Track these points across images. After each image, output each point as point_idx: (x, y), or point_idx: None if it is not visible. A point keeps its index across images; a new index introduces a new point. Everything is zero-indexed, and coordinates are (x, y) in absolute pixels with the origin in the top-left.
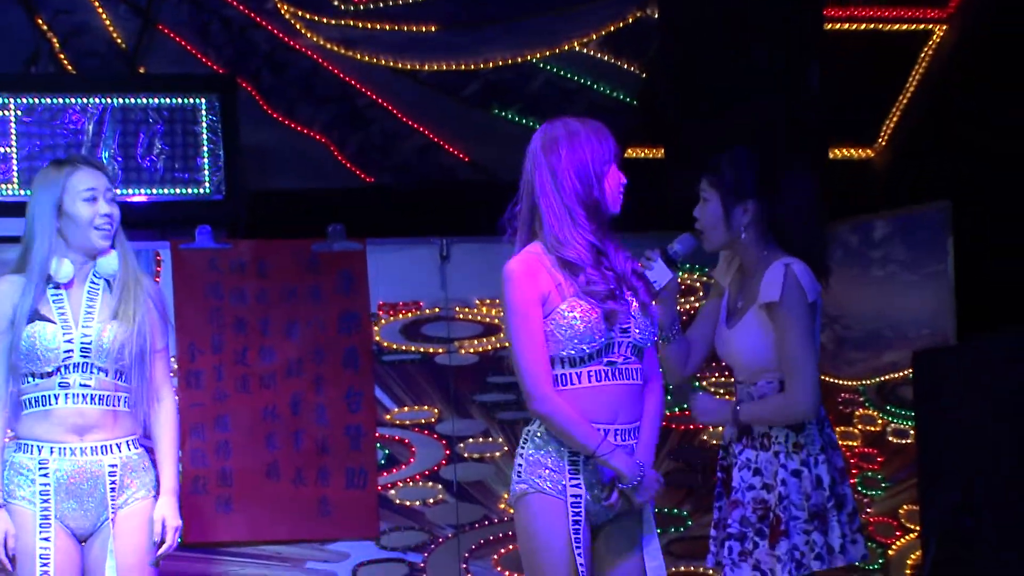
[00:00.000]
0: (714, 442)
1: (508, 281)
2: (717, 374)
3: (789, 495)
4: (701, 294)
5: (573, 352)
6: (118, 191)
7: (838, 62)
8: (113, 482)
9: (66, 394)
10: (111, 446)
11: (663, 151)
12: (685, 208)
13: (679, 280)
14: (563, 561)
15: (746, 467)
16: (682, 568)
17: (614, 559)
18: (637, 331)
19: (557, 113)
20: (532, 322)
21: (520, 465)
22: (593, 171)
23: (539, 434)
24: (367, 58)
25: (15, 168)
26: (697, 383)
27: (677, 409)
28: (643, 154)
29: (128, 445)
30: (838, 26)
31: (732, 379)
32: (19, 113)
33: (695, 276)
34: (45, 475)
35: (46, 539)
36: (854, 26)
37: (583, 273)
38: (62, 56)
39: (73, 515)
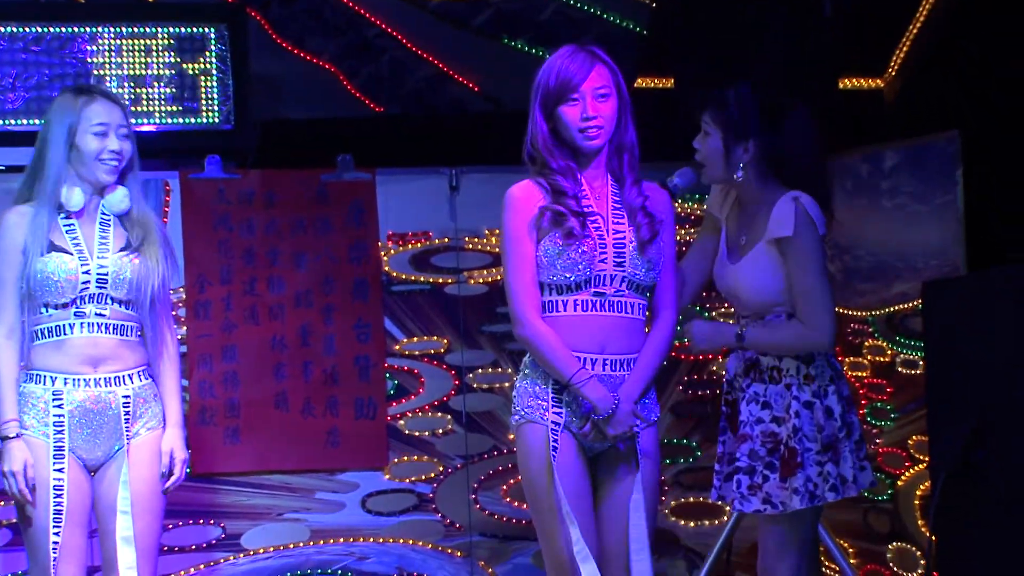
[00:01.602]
0: (723, 373)
1: (505, 207)
2: (718, 304)
3: (802, 427)
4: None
5: (558, 279)
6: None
7: None
8: (127, 413)
9: (82, 323)
10: (124, 377)
11: (672, 81)
12: (691, 137)
13: (678, 210)
14: (544, 488)
15: (754, 400)
16: (691, 499)
17: (609, 487)
18: (633, 266)
19: (567, 42)
20: (522, 247)
21: (515, 396)
22: (551, 96)
23: (528, 364)
24: None
25: (22, 97)
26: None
27: (686, 340)
28: (652, 84)
29: (140, 376)
30: None
31: (732, 312)
32: (27, 42)
33: (693, 206)
34: (59, 406)
35: (60, 470)
36: None
37: (566, 199)
38: None
39: (86, 446)
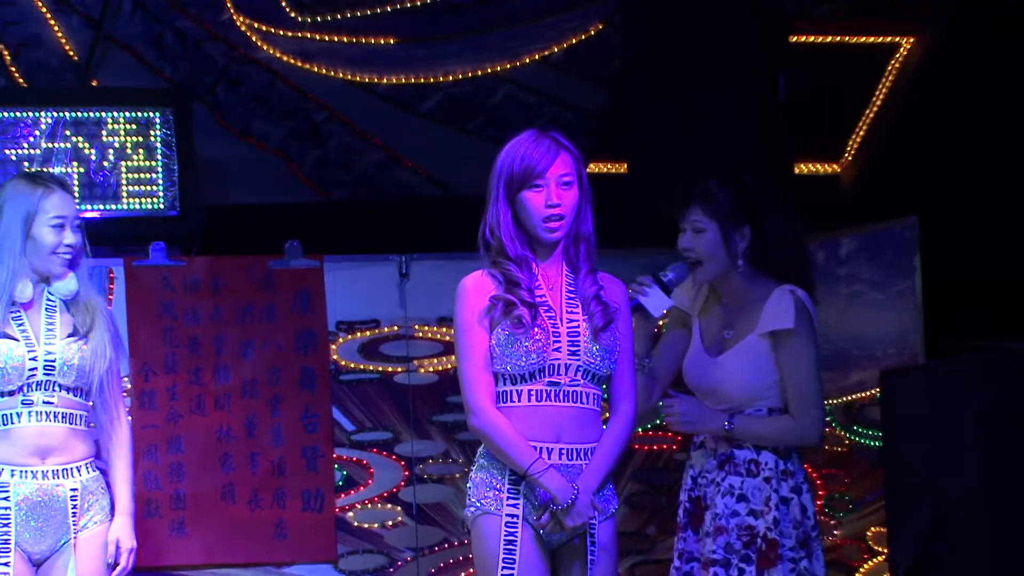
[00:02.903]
0: (679, 464)
1: (457, 298)
2: None
3: (781, 520)
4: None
5: (511, 368)
6: None
7: (804, 75)
8: (75, 506)
9: (29, 412)
10: (72, 469)
11: (626, 166)
12: (646, 224)
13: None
14: None
15: (729, 493)
16: None
17: None
18: (587, 355)
19: (518, 128)
20: (475, 337)
21: (470, 487)
22: (514, 181)
23: (484, 454)
24: (324, 71)
25: None
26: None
27: (640, 430)
28: (605, 169)
29: (87, 468)
30: (804, 38)
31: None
32: None
33: None
34: (6, 498)
35: (6, 565)
36: (820, 38)
37: (519, 290)
38: (13, 69)
39: (32, 539)
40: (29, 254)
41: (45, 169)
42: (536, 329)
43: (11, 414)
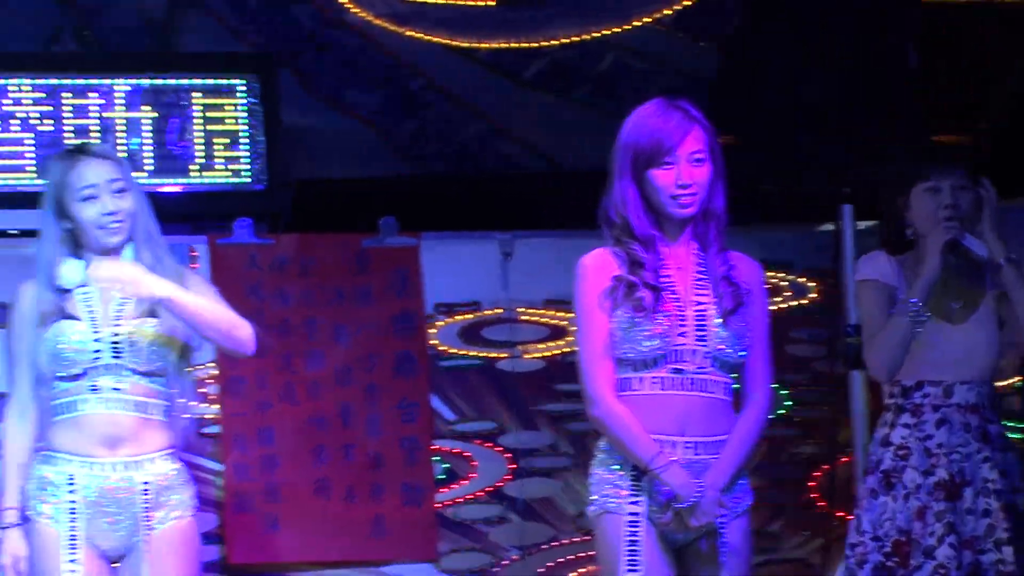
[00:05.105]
0: (804, 456)
1: (577, 276)
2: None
3: None
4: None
5: (632, 355)
6: (151, 180)
7: (938, 40)
8: (147, 501)
9: (97, 399)
10: (144, 462)
11: (733, 138)
12: (751, 196)
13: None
14: None
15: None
16: None
17: None
18: (716, 341)
19: (626, 96)
20: (595, 320)
21: (591, 482)
22: (642, 157)
23: (604, 447)
24: (420, 35)
25: (35, 154)
26: None
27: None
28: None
29: (163, 459)
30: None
31: None
32: (40, 95)
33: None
34: (73, 491)
35: (73, 562)
36: None
37: (643, 271)
38: (86, 33)
39: (104, 535)
40: (77, 233)
41: (84, 142)
42: (659, 313)
43: (76, 401)
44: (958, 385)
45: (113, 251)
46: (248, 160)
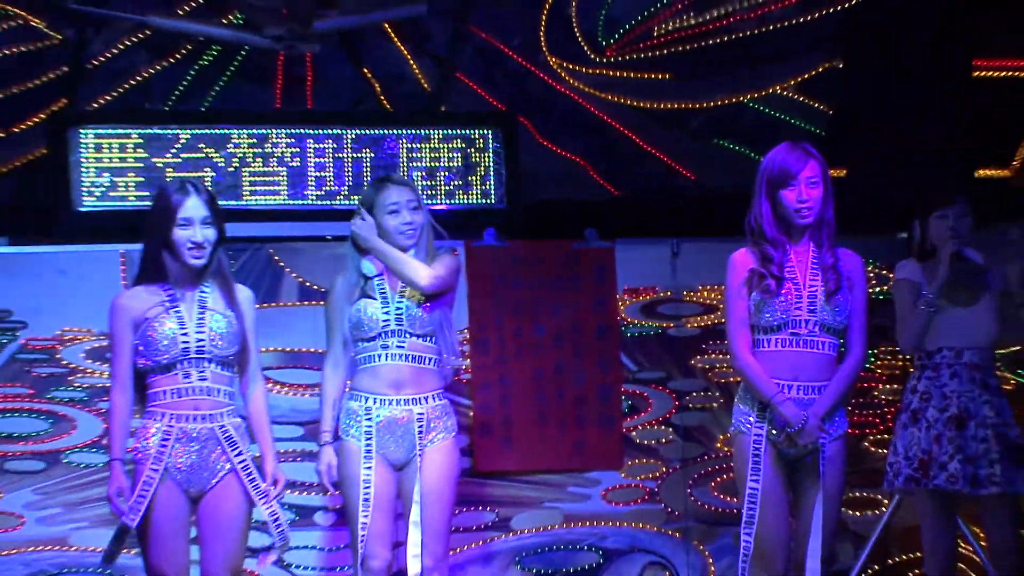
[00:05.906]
0: (884, 398)
1: (728, 267)
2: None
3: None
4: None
5: (763, 323)
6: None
7: (981, 98)
8: (421, 426)
9: (386, 354)
10: (420, 399)
11: (844, 171)
12: (859, 217)
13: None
14: (745, 486)
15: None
16: (855, 494)
17: (802, 487)
18: (822, 312)
19: (764, 142)
20: (738, 299)
21: (734, 412)
22: (774, 181)
23: (742, 388)
24: (616, 99)
25: (347, 183)
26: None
27: None
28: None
29: (433, 398)
30: (983, 74)
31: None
32: (349, 141)
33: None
34: (370, 419)
35: (368, 468)
36: (996, 74)
37: (770, 265)
38: (383, 98)
39: (391, 450)
40: (384, 238)
41: (391, 174)
42: (781, 295)
43: (373, 355)
44: (966, 350)
45: (405, 251)
46: (494, 187)
